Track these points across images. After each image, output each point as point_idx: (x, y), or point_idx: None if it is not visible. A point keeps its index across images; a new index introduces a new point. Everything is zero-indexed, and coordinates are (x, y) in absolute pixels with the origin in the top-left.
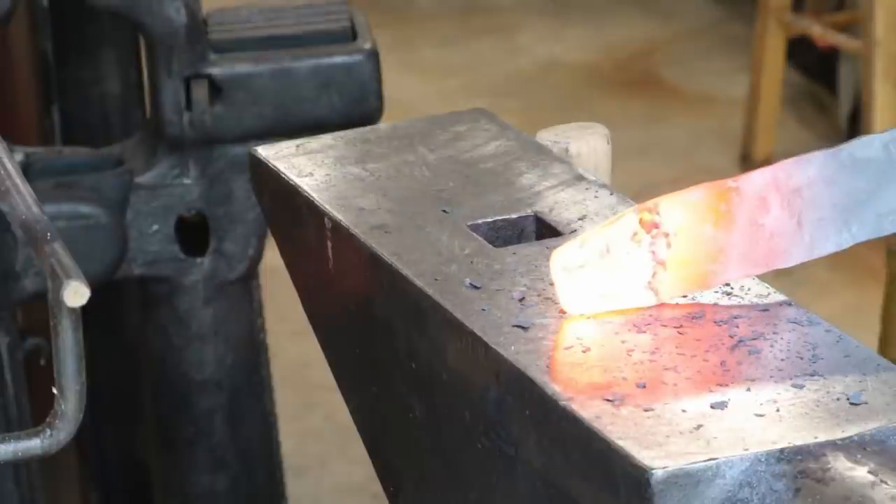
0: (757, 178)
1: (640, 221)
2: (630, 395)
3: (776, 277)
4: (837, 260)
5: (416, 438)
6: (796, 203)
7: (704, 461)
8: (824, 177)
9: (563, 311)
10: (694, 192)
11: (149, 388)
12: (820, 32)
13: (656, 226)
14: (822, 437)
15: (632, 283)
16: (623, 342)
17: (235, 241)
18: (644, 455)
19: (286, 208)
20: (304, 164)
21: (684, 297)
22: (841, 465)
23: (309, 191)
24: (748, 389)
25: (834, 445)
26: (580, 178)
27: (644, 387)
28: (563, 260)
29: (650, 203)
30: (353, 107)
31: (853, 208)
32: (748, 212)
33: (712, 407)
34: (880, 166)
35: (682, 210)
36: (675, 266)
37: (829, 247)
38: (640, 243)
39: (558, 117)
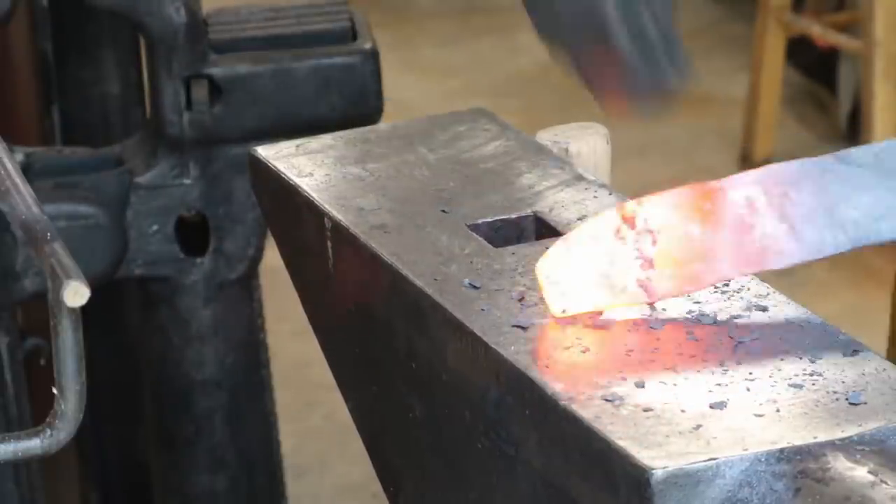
0: (743, 179)
1: (623, 218)
2: (630, 395)
3: (776, 277)
4: (837, 260)
5: (415, 438)
6: (785, 205)
7: (704, 461)
8: (813, 180)
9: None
10: (678, 192)
11: (149, 388)
12: (820, 32)
13: (639, 222)
14: (822, 437)
15: (620, 281)
16: (623, 342)
17: (235, 241)
18: (644, 455)
19: (286, 208)
20: (303, 164)
21: (683, 297)
22: (841, 465)
23: (309, 191)
24: (748, 389)
25: (834, 445)
26: (580, 177)
27: (644, 387)
28: (548, 263)
29: (633, 201)
30: (353, 107)
31: (845, 212)
32: (734, 211)
33: (712, 407)
34: (871, 172)
35: (665, 208)
36: (663, 264)
37: (825, 249)
38: (624, 240)
39: (558, 117)
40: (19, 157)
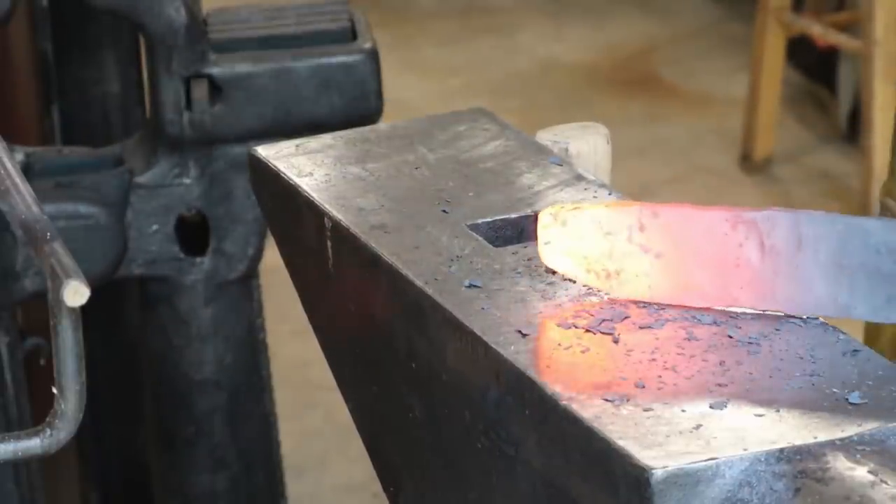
0: (778, 219)
1: (640, 224)
2: (630, 395)
3: None
4: None
5: (416, 438)
6: (807, 252)
7: (704, 461)
8: (837, 233)
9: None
10: (702, 212)
11: (149, 388)
12: (820, 32)
13: (652, 229)
14: (822, 437)
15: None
16: (623, 342)
17: (235, 240)
18: (644, 455)
19: (286, 208)
20: (303, 163)
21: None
22: (841, 465)
23: (309, 190)
24: (748, 389)
25: (834, 445)
26: (580, 177)
27: (644, 387)
28: (552, 214)
29: (655, 207)
30: (353, 107)
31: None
32: (755, 245)
33: (712, 407)
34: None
35: (683, 222)
36: (661, 273)
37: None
38: (630, 240)
39: (558, 117)
40: (19, 157)
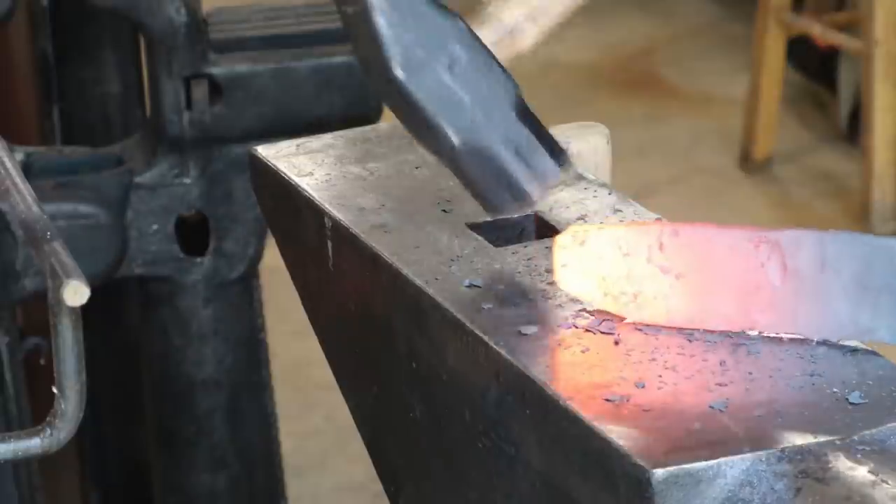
0: (802, 240)
1: (660, 244)
2: (630, 395)
3: None
4: None
5: (416, 438)
6: (824, 276)
7: (705, 461)
8: (862, 254)
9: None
10: (724, 231)
11: (149, 387)
12: (820, 32)
13: (672, 249)
14: (823, 437)
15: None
16: (623, 342)
17: (235, 240)
18: (644, 455)
19: (286, 208)
20: (304, 163)
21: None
22: (841, 465)
23: (309, 190)
24: (748, 389)
25: (834, 445)
26: (580, 177)
27: (644, 387)
28: (573, 237)
29: (673, 225)
30: (353, 106)
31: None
32: (777, 266)
33: (712, 407)
34: None
35: (705, 242)
36: (681, 295)
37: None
38: (650, 261)
39: (558, 117)
40: (19, 156)
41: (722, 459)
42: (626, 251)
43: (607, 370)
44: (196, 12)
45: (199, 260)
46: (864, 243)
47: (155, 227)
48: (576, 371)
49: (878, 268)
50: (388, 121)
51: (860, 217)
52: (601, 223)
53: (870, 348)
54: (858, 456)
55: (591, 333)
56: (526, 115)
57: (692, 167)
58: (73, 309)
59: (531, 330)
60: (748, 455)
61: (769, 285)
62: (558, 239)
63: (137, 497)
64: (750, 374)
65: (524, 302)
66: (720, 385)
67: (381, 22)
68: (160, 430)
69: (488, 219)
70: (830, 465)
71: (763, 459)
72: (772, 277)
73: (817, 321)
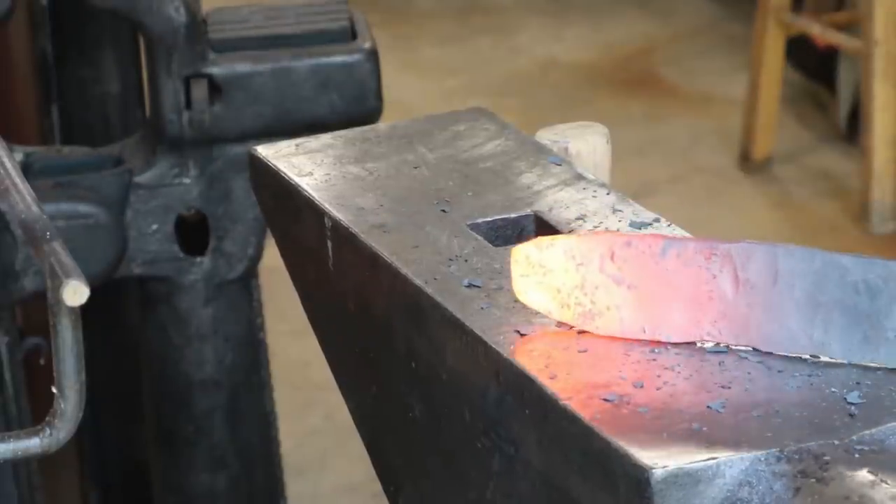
0: (754, 252)
1: (612, 254)
2: (630, 395)
3: None
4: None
5: (415, 438)
6: (779, 288)
7: (704, 461)
8: (814, 269)
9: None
10: (676, 242)
11: (149, 387)
12: (819, 32)
13: (624, 259)
14: (822, 437)
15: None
16: (622, 342)
17: (235, 240)
18: (644, 454)
19: (286, 208)
20: (303, 163)
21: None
22: (840, 465)
23: (309, 190)
24: (748, 389)
25: (834, 445)
26: (579, 177)
27: (643, 387)
28: (525, 253)
29: (626, 236)
30: (352, 106)
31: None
32: (729, 278)
33: (711, 407)
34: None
35: (656, 252)
36: (633, 305)
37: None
38: (602, 271)
39: (558, 116)
40: (19, 156)
41: (721, 459)
42: (580, 261)
43: (607, 370)
44: (195, 12)
45: (198, 260)
46: (817, 259)
47: (154, 226)
48: (575, 371)
49: (829, 284)
50: (388, 121)
51: (859, 217)
52: (598, 224)
53: None
54: (857, 456)
55: (590, 333)
56: None
57: (691, 167)
58: (72, 309)
59: (531, 330)
60: (747, 455)
61: (721, 297)
62: (514, 252)
63: (137, 496)
64: (750, 374)
65: (524, 302)
66: (720, 385)
67: None
68: (159, 430)
69: (488, 219)
70: (829, 465)
71: (762, 459)
72: (724, 289)
73: (770, 334)
